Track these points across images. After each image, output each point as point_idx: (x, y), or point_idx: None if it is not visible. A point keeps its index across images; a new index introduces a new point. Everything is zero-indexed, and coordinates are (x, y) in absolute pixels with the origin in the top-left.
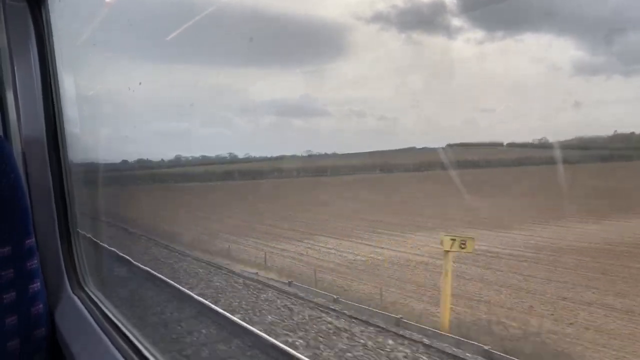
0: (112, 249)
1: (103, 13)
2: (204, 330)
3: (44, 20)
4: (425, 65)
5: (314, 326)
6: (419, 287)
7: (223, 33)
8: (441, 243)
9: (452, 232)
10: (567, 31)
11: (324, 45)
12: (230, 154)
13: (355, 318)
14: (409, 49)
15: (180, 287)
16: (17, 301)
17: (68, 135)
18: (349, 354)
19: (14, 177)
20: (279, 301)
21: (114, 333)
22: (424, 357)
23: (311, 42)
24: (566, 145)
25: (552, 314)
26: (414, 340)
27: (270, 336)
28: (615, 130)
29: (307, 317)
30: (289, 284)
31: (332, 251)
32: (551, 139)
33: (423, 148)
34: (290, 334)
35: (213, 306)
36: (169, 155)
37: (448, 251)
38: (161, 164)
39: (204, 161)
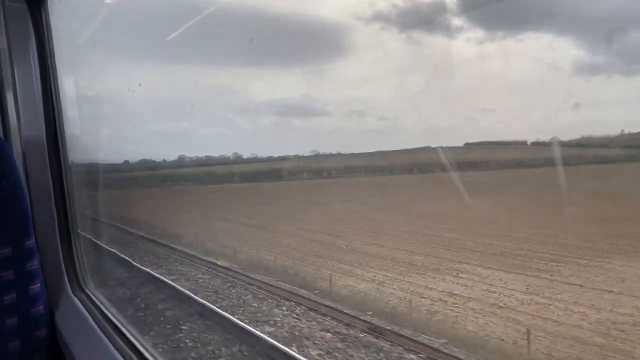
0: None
1: (103, 14)
2: None
3: (44, 21)
4: (426, 64)
5: None
6: None
7: (223, 33)
8: None
9: None
10: (568, 31)
11: (324, 45)
12: (235, 154)
13: None
14: (409, 49)
15: None
16: (18, 302)
17: (68, 136)
18: None
19: (14, 178)
20: None
21: (114, 334)
22: None
23: (311, 42)
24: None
25: None
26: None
27: None
28: (622, 130)
29: None
30: None
31: None
32: (563, 138)
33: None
34: None
35: None
36: (172, 155)
37: None
38: (164, 164)
39: (210, 161)
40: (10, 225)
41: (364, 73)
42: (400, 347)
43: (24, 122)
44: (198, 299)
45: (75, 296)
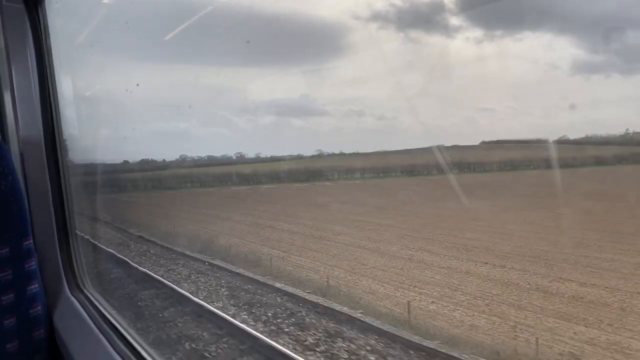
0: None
1: (101, 14)
2: None
3: (41, 21)
4: (425, 64)
5: None
6: None
7: (223, 33)
8: None
9: None
10: (567, 30)
11: (323, 44)
12: (239, 153)
13: None
14: (408, 48)
15: None
16: (16, 302)
17: (66, 137)
18: None
19: (12, 179)
20: None
21: (112, 334)
22: None
23: (310, 42)
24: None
25: None
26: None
27: None
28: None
29: None
30: None
31: None
32: (572, 136)
33: (461, 146)
34: None
35: None
36: (173, 155)
37: None
38: (166, 164)
39: (214, 161)
40: (9, 225)
41: (363, 72)
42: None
43: (22, 122)
44: None
45: (74, 296)
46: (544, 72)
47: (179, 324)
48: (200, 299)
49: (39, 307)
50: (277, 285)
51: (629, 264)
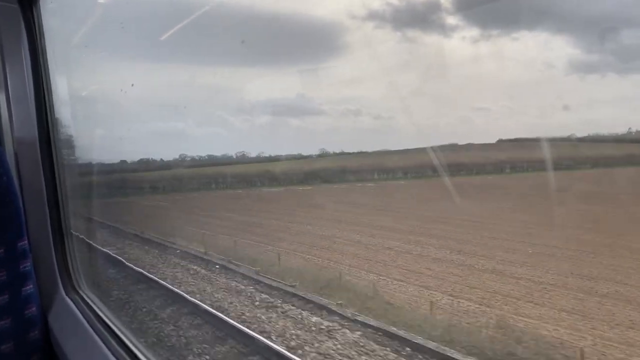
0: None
1: (96, 14)
2: None
3: (36, 21)
4: (421, 63)
5: None
6: None
7: (220, 33)
8: None
9: None
10: (563, 30)
11: (319, 44)
12: (240, 152)
13: None
14: (404, 48)
15: None
16: (11, 303)
17: (61, 137)
18: None
19: (7, 179)
20: None
21: (107, 335)
22: None
23: (307, 42)
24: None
25: None
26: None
27: None
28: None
29: None
30: None
31: None
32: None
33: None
34: None
35: None
36: (172, 154)
37: None
38: (170, 163)
39: (217, 161)
40: (3, 226)
41: (360, 72)
42: None
43: (17, 123)
44: None
45: (69, 297)
46: (542, 72)
47: None
48: None
49: (34, 308)
50: None
51: None
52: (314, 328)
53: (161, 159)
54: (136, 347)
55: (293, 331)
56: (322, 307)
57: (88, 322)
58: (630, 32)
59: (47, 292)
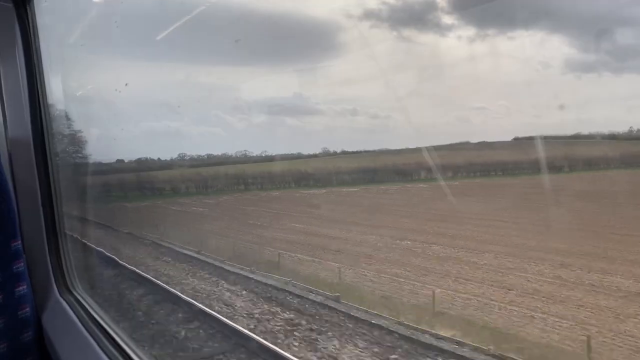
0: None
1: (91, 13)
2: None
3: (30, 20)
4: (418, 62)
5: None
6: None
7: (218, 33)
8: None
9: None
10: (560, 29)
11: (316, 43)
12: (244, 151)
13: None
14: (401, 47)
15: None
16: (4, 304)
17: (56, 136)
18: None
19: (0, 179)
20: None
21: (101, 336)
22: None
23: (304, 41)
24: None
25: None
26: None
27: None
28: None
29: None
30: None
31: None
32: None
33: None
34: None
35: None
36: (170, 154)
37: None
38: (176, 162)
39: (218, 160)
40: None
41: (357, 71)
42: None
43: (10, 122)
44: None
45: (63, 298)
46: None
47: None
48: None
49: (28, 309)
50: None
51: None
52: None
53: (171, 158)
54: (130, 347)
55: None
56: None
57: (82, 322)
58: (626, 31)
59: (40, 292)
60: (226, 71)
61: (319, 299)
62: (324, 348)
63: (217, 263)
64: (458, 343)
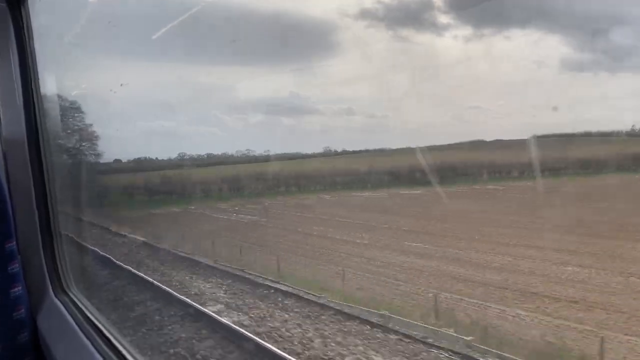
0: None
1: (85, 13)
2: None
3: (24, 21)
4: (414, 62)
5: None
6: None
7: (217, 33)
8: None
9: None
10: (556, 28)
11: (313, 43)
12: (248, 150)
13: None
14: (397, 46)
15: None
16: None
17: (51, 136)
18: None
19: None
20: None
21: (96, 337)
22: None
23: (301, 40)
24: None
25: None
26: None
27: None
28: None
29: None
30: None
31: None
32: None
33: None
34: None
35: None
36: (171, 154)
37: None
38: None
39: (224, 160)
40: None
41: (354, 70)
42: None
43: (5, 122)
44: None
45: (58, 299)
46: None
47: None
48: None
49: (23, 310)
50: None
51: None
52: None
53: (179, 156)
54: (125, 348)
55: None
56: None
57: (77, 323)
58: (622, 30)
59: (35, 293)
60: (227, 71)
61: None
62: None
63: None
64: None
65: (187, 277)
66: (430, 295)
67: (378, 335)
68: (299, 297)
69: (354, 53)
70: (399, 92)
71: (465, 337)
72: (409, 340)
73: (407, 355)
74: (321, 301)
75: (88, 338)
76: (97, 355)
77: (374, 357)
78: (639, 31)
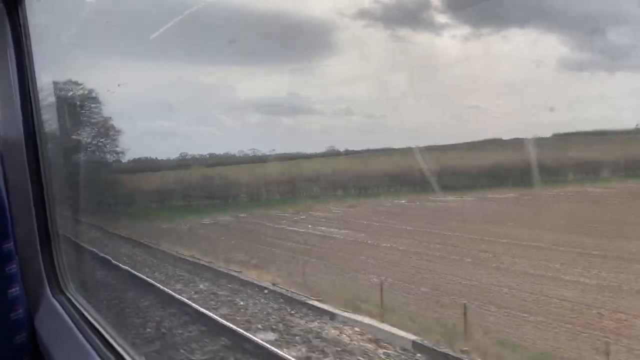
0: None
1: (83, 14)
2: None
3: (21, 21)
4: (413, 62)
5: None
6: None
7: (216, 33)
8: None
9: None
10: (554, 28)
11: (312, 43)
12: (252, 149)
13: None
14: (395, 46)
15: None
16: None
17: (49, 137)
18: None
19: None
20: None
21: (94, 338)
22: None
23: (300, 40)
24: None
25: None
26: None
27: None
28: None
29: None
30: None
31: None
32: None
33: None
34: None
35: None
36: (169, 153)
37: None
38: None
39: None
40: None
41: (352, 70)
42: None
43: (1, 123)
44: None
45: (56, 300)
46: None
47: None
48: None
49: (20, 311)
50: None
51: None
52: None
53: (180, 155)
54: (123, 348)
55: None
56: None
57: (75, 324)
58: (620, 30)
59: (33, 294)
60: (226, 71)
61: None
62: None
63: None
64: None
65: None
66: None
67: None
68: None
69: (352, 53)
70: (397, 92)
71: None
72: None
73: None
74: None
75: (86, 338)
76: (95, 356)
77: None
78: (637, 30)
